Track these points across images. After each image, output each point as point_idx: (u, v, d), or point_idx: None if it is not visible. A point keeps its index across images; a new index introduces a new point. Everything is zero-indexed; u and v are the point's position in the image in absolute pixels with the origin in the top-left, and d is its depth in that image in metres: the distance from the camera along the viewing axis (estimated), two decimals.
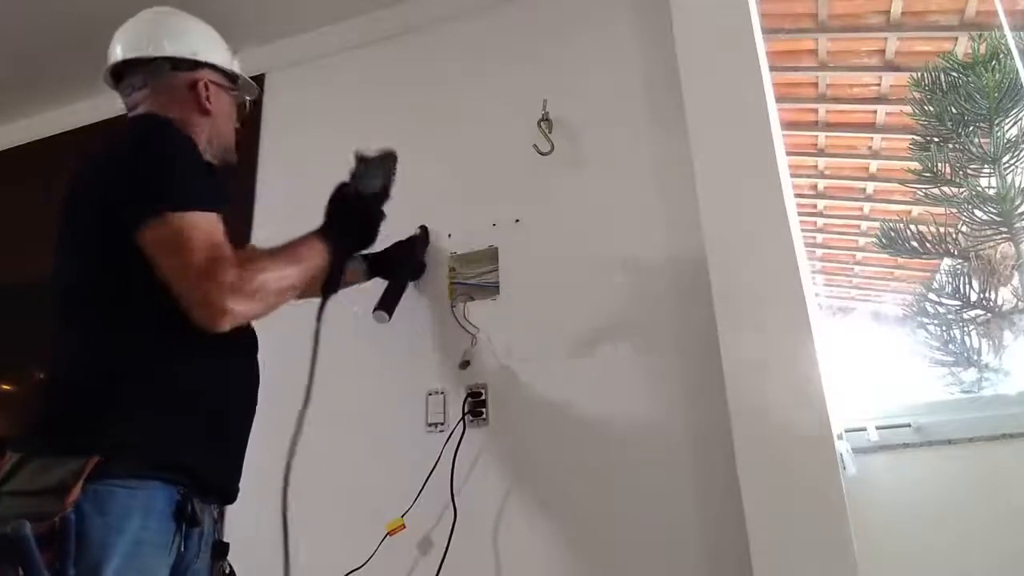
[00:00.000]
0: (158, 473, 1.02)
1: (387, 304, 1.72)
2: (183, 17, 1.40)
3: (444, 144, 2.14)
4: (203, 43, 1.37)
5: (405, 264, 1.86)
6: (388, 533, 1.73)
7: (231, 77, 1.42)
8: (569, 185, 1.94)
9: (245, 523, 1.53)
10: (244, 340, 1.24)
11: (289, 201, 2.24)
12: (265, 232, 2.21)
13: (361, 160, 1.45)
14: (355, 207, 1.37)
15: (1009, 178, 1.97)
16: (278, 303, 1.13)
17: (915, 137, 2.21)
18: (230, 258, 1.06)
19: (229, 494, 1.21)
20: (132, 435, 1.01)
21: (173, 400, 1.07)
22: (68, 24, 2.39)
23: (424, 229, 1.97)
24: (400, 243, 1.86)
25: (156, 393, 1.06)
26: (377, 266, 1.78)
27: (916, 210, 2.30)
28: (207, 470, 1.10)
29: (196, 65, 1.34)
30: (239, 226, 2.22)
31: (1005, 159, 1.99)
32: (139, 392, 1.05)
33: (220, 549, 1.19)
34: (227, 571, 1.20)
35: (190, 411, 1.09)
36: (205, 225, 1.07)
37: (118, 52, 1.33)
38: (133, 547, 0.95)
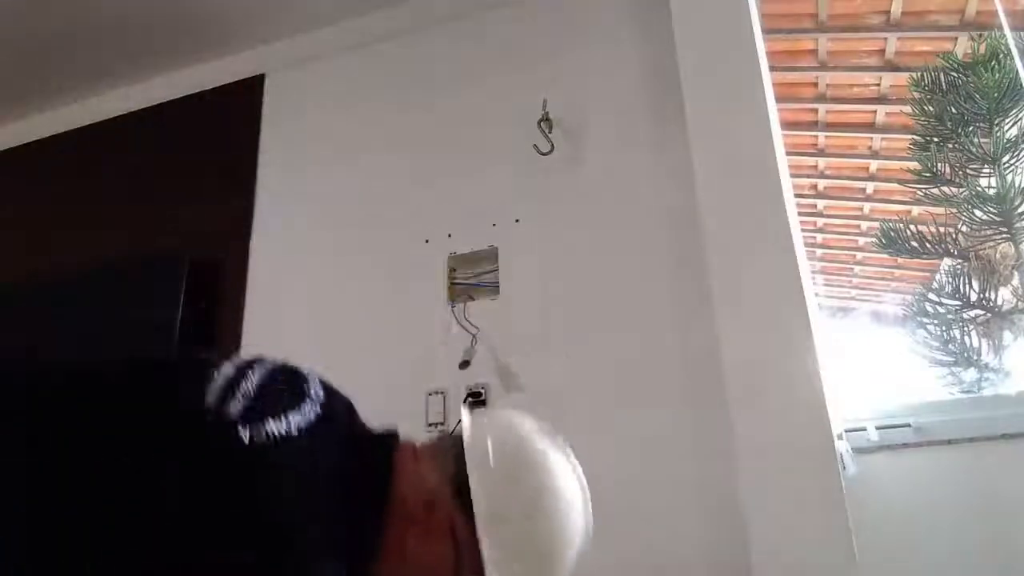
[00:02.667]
0: None
1: None
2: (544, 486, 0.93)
3: (444, 144, 2.13)
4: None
5: None
6: None
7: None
8: (569, 185, 1.94)
9: None
10: None
11: (289, 202, 2.24)
12: (265, 232, 2.20)
13: None
14: None
15: (1009, 178, 1.97)
16: None
17: (915, 137, 2.20)
18: None
19: None
20: None
21: None
22: (68, 24, 2.39)
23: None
24: None
25: None
26: None
27: (916, 210, 2.30)
28: None
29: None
30: (239, 226, 2.23)
31: (1005, 159, 1.99)
32: None
33: None
34: None
35: None
36: None
37: None
38: None
